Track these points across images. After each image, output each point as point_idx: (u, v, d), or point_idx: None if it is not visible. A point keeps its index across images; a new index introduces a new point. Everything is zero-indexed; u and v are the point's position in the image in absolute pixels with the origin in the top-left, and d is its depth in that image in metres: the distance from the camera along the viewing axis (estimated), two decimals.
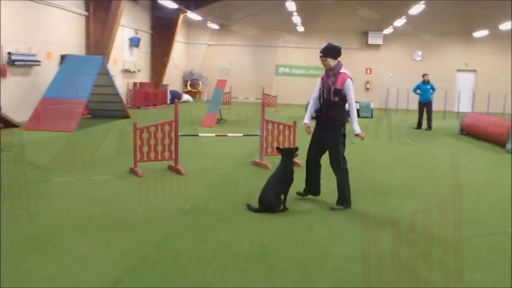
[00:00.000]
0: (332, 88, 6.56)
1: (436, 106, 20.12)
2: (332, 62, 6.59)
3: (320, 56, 6.62)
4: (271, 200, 6.26)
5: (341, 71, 6.57)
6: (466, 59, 31.12)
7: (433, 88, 18.47)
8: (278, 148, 6.97)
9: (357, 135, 6.66)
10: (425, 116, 18.24)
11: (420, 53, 31.62)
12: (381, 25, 30.75)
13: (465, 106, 28.21)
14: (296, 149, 6.90)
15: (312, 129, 6.96)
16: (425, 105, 18.30)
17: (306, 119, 7.03)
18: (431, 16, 29.13)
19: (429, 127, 18.01)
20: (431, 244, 5.30)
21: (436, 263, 4.78)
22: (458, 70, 31.36)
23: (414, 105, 19.84)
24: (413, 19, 26.64)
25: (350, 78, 6.58)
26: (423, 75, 18.71)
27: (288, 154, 6.69)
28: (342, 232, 5.64)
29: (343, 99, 6.58)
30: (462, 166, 10.54)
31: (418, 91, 18.56)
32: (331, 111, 6.62)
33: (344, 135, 6.68)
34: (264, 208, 6.24)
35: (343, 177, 6.70)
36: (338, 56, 6.64)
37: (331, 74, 6.60)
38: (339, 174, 6.72)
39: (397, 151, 12.42)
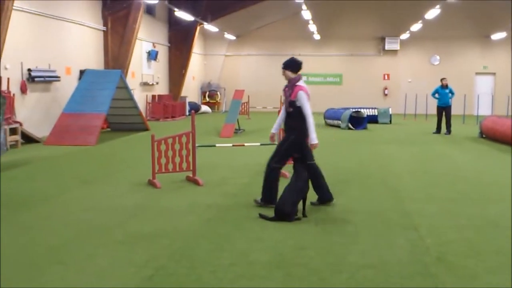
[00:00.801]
0: (288, 100, 6.94)
1: (455, 110, 19.97)
2: (291, 74, 6.96)
3: (282, 68, 7.04)
4: (288, 209, 6.28)
5: (297, 84, 6.90)
6: (485, 62, 30.86)
7: (452, 92, 18.35)
8: (292, 156, 7.01)
9: (312, 145, 6.85)
10: (444, 120, 18.13)
11: (438, 57, 31.46)
12: (397, 30, 30.67)
13: (484, 110, 27.90)
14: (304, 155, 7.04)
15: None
16: (444, 109, 18.18)
17: (273, 129, 7.39)
18: (448, 19, 29.00)
19: (448, 131, 17.89)
20: (448, 248, 5.29)
21: (453, 266, 4.77)
22: (477, 73, 31.10)
23: (433, 110, 19.71)
24: (430, 23, 26.51)
25: (304, 91, 6.84)
26: (441, 79, 18.61)
27: (299, 162, 6.74)
28: (358, 239, 5.64)
29: (297, 110, 6.86)
30: (483, 170, 10.45)
31: (436, 95, 18.46)
32: (288, 120, 7.02)
33: (293, 144, 6.89)
34: (281, 217, 6.27)
35: (266, 174, 6.99)
36: (297, 70, 6.98)
37: (289, 86, 6.98)
38: (266, 170, 7.03)
39: (416, 156, 12.35)
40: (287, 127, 7.07)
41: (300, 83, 6.92)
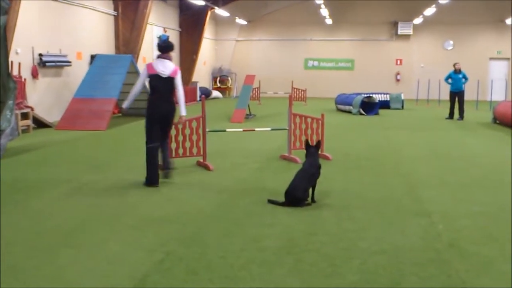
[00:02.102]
0: None
1: (469, 95, 19.75)
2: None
3: None
4: (299, 195, 6.24)
5: None
6: (499, 47, 30.43)
7: (465, 77, 18.13)
8: (306, 142, 6.94)
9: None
10: (457, 106, 17.95)
11: (451, 42, 31.08)
12: (410, 15, 30.32)
13: (498, 95, 27.55)
14: (318, 142, 7.20)
15: None
16: (456, 95, 17.99)
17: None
18: (461, 4, 28.60)
19: (461, 117, 17.72)
20: (461, 234, 5.23)
21: (465, 253, 4.72)
22: (491, 59, 30.71)
23: (446, 96, 19.51)
24: (444, 7, 26.14)
25: (146, 68, 7.47)
26: (454, 64, 18.39)
27: (313, 148, 6.72)
28: (370, 225, 5.59)
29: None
30: (496, 155, 10.34)
31: (449, 80, 18.26)
32: None
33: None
34: (292, 203, 6.23)
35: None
36: (160, 51, 7.51)
37: None
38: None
39: (428, 142, 12.24)
40: None
41: (152, 62, 7.46)
